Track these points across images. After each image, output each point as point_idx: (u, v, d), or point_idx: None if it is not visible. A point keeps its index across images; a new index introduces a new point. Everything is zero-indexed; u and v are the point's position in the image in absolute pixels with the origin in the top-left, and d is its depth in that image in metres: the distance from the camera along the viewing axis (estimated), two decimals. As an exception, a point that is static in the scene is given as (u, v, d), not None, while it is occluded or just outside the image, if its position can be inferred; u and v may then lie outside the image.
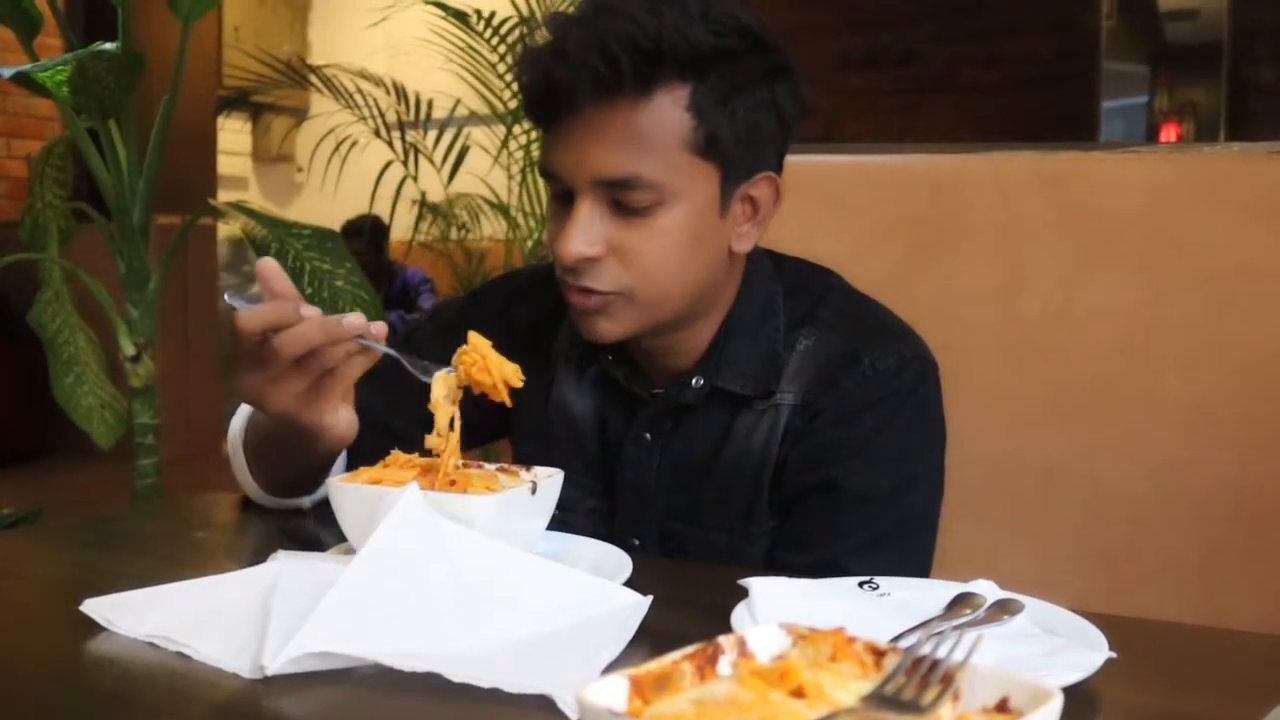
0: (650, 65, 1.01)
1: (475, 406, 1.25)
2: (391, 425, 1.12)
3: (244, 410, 1.18)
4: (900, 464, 1.12)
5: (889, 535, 1.10)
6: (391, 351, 1.00)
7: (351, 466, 1.14)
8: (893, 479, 1.11)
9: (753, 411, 1.14)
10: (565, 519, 1.00)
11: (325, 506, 0.97)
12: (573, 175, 1.05)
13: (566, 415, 1.21)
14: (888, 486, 1.11)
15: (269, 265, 1.02)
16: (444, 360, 1.16)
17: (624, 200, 1.04)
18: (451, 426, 0.97)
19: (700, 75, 1.03)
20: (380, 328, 1.00)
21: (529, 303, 1.27)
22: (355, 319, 0.98)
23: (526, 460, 1.17)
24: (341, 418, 1.04)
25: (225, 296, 1.02)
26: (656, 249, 1.06)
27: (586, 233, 1.05)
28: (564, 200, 1.08)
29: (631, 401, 1.19)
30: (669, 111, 1.03)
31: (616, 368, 1.18)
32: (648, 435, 1.17)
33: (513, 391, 1.23)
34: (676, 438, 1.17)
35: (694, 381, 1.14)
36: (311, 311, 0.98)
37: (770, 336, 1.15)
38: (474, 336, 0.99)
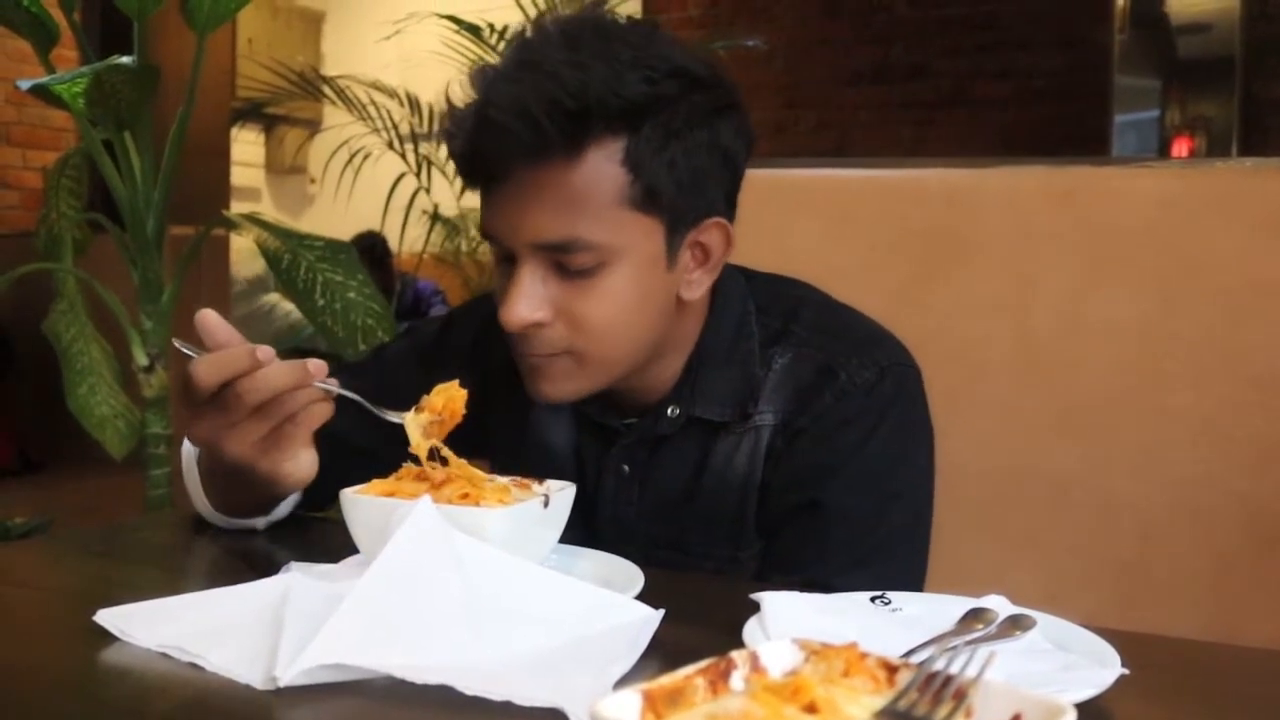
0: (577, 126, 0.97)
1: (451, 436, 1.24)
2: (352, 441, 1.09)
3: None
4: (884, 479, 1.10)
5: (878, 550, 1.09)
6: (355, 397, 0.99)
7: (315, 486, 1.14)
8: (878, 493, 1.09)
9: (731, 435, 1.12)
10: None
11: (338, 517, 0.98)
12: (511, 240, 1.03)
13: (543, 447, 1.19)
14: (872, 503, 1.09)
15: (210, 317, 0.99)
16: (412, 383, 1.13)
17: (565, 263, 1.01)
18: (441, 458, 0.96)
19: (634, 127, 0.99)
20: (330, 380, 0.98)
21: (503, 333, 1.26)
22: (319, 364, 0.96)
23: None
24: (302, 463, 1.02)
25: (175, 343, 1.01)
26: (604, 310, 1.03)
27: (531, 298, 1.02)
28: (508, 262, 1.05)
29: (607, 433, 1.17)
30: (603, 169, 0.99)
31: (588, 402, 1.15)
32: (626, 467, 1.16)
33: (490, 424, 1.22)
34: (655, 468, 1.15)
35: (669, 411, 1.13)
36: (267, 355, 0.95)
37: (745, 359, 1.13)
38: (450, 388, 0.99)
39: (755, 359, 1.12)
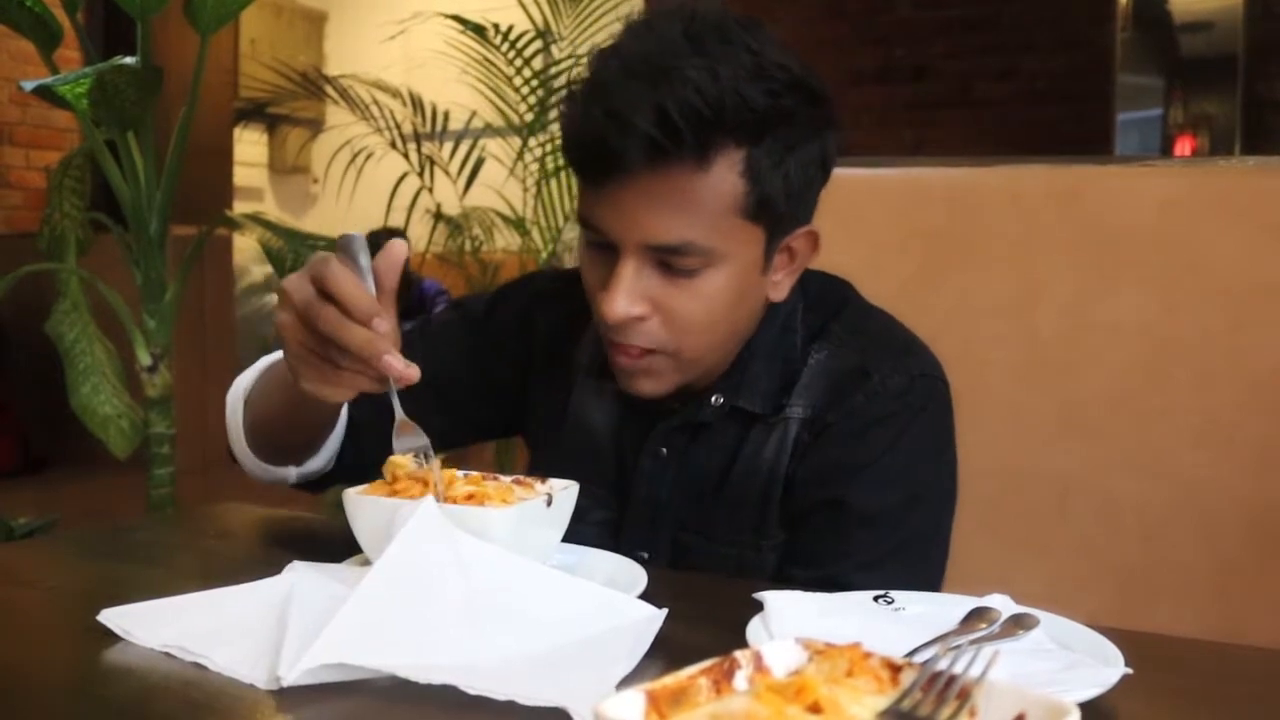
0: (710, 133, 0.98)
1: (487, 404, 1.28)
2: (438, 379, 1.09)
3: (254, 368, 1.18)
4: (908, 481, 1.11)
5: (896, 552, 1.10)
6: (399, 409, 0.97)
7: (350, 451, 1.16)
8: (900, 496, 1.11)
9: (764, 426, 1.14)
10: (573, 529, 0.98)
11: (340, 516, 0.98)
12: (621, 237, 1.03)
13: (583, 426, 1.21)
14: (895, 503, 1.10)
15: (400, 248, 0.96)
16: (459, 354, 1.25)
17: (672, 263, 1.03)
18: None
19: (756, 139, 1.00)
20: (414, 372, 0.94)
21: (551, 310, 1.27)
22: (395, 361, 0.92)
23: (541, 467, 1.19)
24: (335, 395, 0.98)
25: (351, 237, 0.96)
26: (701, 310, 1.05)
27: (632, 293, 1.03)
28: (602, 249, 1.06)
29: (648, 416, 1.19)
30: (724, 178, 1.00)
31: None
32: (663, 450, 1.17)
33: (532, 398, 1.27)
34: (691, 453, 1.16)
35: (714, 400, 1.14)
36: (381, 325, 0.92)
37: (788, 354, 1.15)
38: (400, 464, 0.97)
39: (796, 354, 1.14)
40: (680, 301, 1.04)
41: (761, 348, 1.15)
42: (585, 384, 1.22)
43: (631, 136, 0.97)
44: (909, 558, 1.10)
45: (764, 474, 1.13)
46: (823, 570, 1.07)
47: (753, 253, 1.06)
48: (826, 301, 1.19)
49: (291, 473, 1.18)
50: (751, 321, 1.12)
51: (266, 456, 1.17)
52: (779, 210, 1.05)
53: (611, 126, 0.98)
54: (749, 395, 1.14)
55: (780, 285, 1.12)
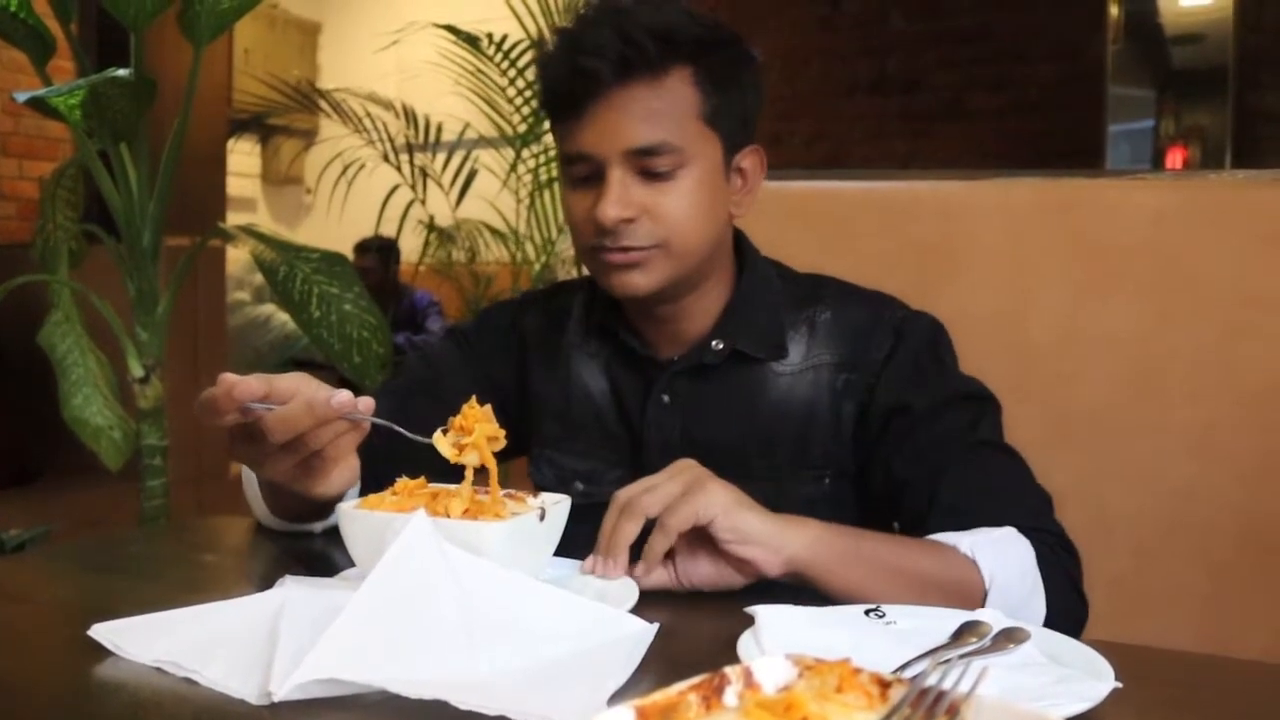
0: (663, 47, 1.17)
1: (497, 403, 1.29)
2: (442, 401, 1.14)
3: None
4: (961, 381, 1.24)
5: (979, 423, 1.20)
6: (382, 422, 1.01)
7: (370, 483, 1.15)
8: (959, 392, 1.23)
9: (785, 374, 1.25)
10: (591, 491, 1.11)
11: (333, 531, 0.98)
12: (604, 151, 1.18)
13: (585, 396, 1.32)
14: (957, 396, 1.22)
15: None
16: (456, 369, 1.32)
17: (650, 166, 1.18)
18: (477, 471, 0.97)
19: (699, 57, 1.19)
20: (368, 402, 1.00)
21: (537, 311, 1.39)
22: (344, 397, 0.98)
23: (551, 446, 1.31)
24: (334, 483, 1.05)
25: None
26: (683, 205, 1.19)
27: (622, 198, 1.18)
28: (587, 181, 1.21)
29: (646, 372, 1.29)
30: (680, 89, 1.19)
31: (633, 337, 1.29)
32: (665, 397, 1.27)
33: (532, 385, 1.35)
34: (697, 399, 1.26)
35: (713, 344, 1.26)
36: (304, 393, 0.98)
37: (774, 307, 1.28)
38: (471, 404, 1.00)
39: (780, 310, 1.28)
40: (664, 201, 1.19)
41: (749, 296, 1.28)
42: (579, 361, 1.33)
43: (603, 58, 1.16)
44: (991, 430, 1.22)
45: (799, 415, 1.24)
46: (931, 463, 1.16)
47: (714, 158, 1.22)
48: (804, 278, 1.32)
49: (316, 526, 1.21)
50: (723, 229, 1.25)
51: (289, 520, 1.20)
52: (728, 122, 1.22)
53: (583, 55, 1.17)
54: (746, 338, 1.26)
55: (740, 204, 1.27)
